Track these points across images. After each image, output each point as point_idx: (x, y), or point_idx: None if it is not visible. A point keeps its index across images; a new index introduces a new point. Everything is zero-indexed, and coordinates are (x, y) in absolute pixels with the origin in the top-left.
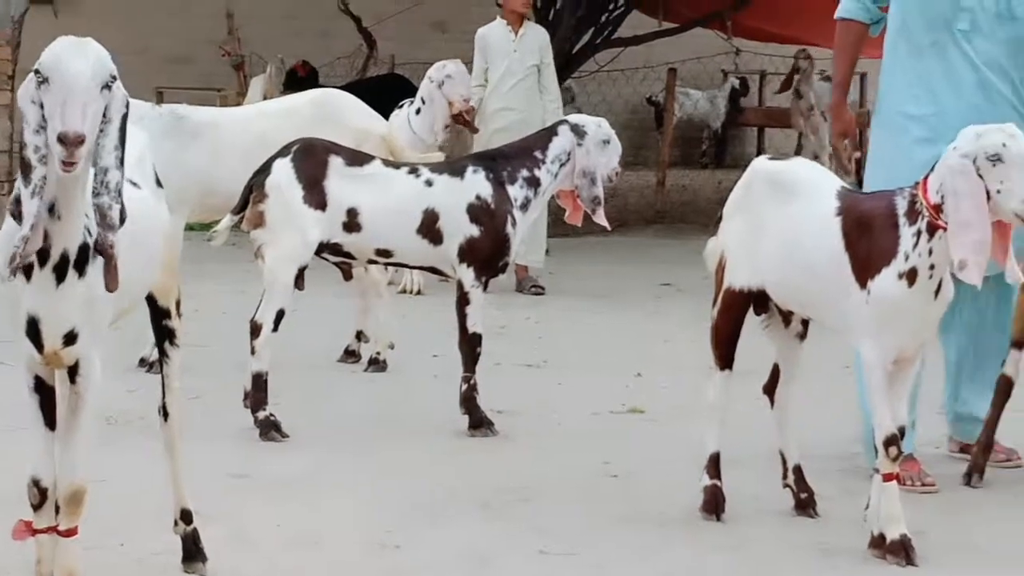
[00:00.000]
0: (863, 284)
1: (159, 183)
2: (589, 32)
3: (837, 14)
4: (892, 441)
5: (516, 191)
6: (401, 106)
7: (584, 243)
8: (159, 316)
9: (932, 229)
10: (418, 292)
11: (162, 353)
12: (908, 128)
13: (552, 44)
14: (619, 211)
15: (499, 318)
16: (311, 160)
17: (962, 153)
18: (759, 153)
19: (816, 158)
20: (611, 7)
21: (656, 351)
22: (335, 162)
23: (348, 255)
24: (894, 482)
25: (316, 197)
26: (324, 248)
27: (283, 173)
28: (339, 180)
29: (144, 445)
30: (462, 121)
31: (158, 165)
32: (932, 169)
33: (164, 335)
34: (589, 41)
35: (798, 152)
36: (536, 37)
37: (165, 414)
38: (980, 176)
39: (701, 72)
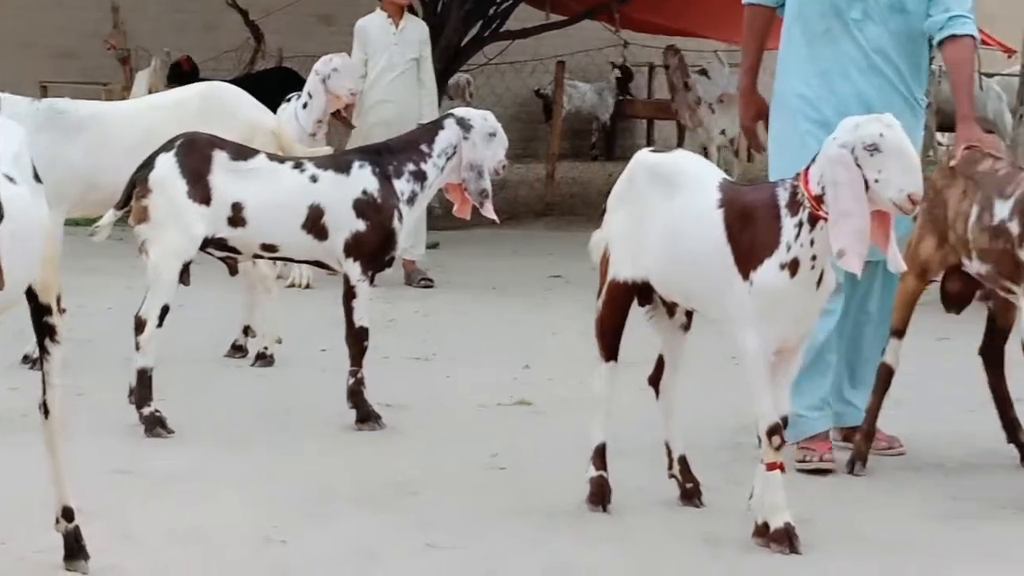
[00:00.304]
0: (745, 275)
1: (37, 178)
2: (477, 25)
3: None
4: (775, 431)
5: (402, 185)
6: (289, 99)
7: (473, 236)
8: (40, 312)
9: (813, 220)
10: (307, 286)
11: (43, 350)
12: (803, 111)
13: (441, 37)
14: (509, 204)
15: (388, 311)
16: (195, 155)
17: (841, 143)
18: (648, 145)
19: (704, 150)
20: (499, 0)
21: (545, 343)
22: (219, 156)
23: (233, 250)
24: (778, 471)
25: (200, 192)
26: (209, 243)
27: (167, 168)
28: (224, 175)
29: (27, 442)
30: (339, 117)
31: (36, 160)
32: (813, 160)
33: (45, 331)
34: (477, 34)
35: (680, 144)
36: (416, 30)
37: (46, 411)
38: (859, 166)
39: (590, 65)
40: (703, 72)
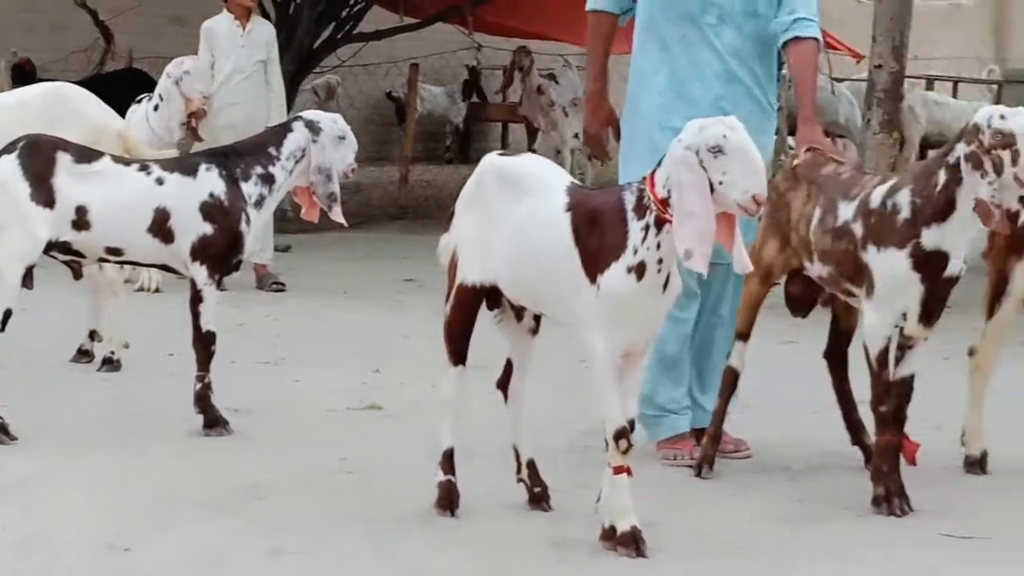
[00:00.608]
0: (593, 279)
1: None
2: (330, 27)
3: (588, 6)
4: (622, 434)
5: (250, 188)
6: (139, 101)
7: (326, 239)
8: None
9: (660, 223)
10: (156, 290)
11: None
12: (656, 117)
13: (293, 40)
14: (362, 207)
15: (238, 315)
16: (38, 157)
17: (685, 145)
18: (503, 148)
19: (558, 153)
20: (352, 2)
21: (396, 347)
22: (63, 159)
23: (78, 253)
24: (624, 475)
25: (44, 194)
26: (53, 246)
27: (9, 170)
28: (67, 177)
29: None
30: (189, 128)
31: None
32: (659, 164)
33: None
34: (330, 36)
35: (531, 148)
36: (263, 32)
37: None
38: (704, 168)
39: (444, 68)
40: (552, 76)
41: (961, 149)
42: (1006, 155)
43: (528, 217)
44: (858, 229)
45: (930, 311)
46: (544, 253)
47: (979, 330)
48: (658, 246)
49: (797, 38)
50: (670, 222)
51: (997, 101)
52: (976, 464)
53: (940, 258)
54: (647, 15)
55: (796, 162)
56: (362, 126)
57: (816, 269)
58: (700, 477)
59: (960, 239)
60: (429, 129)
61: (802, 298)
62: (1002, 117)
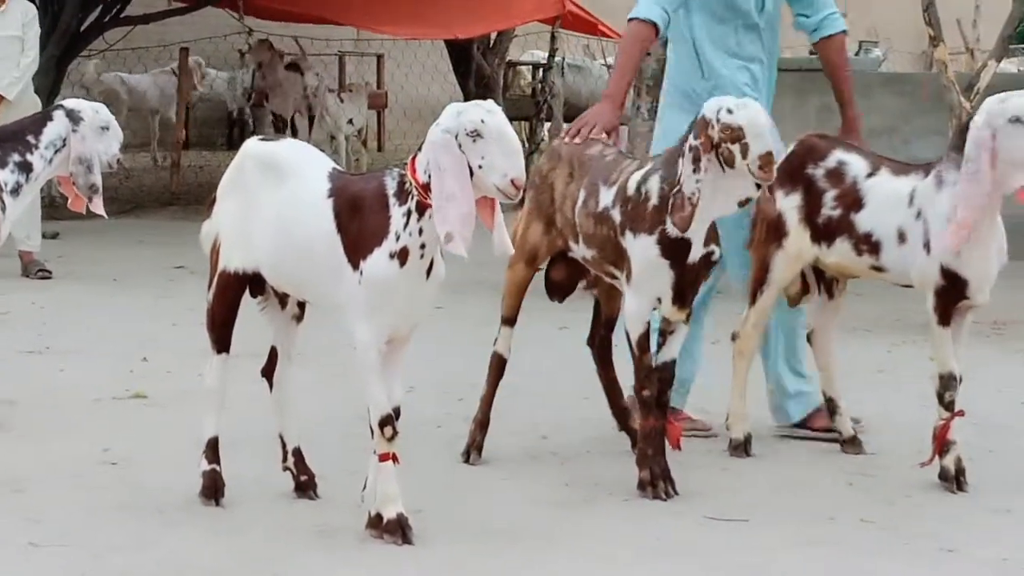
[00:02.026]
0: (355, 265)
1: None
2: (97, 10)
3: (633, 14)
4: (387, 421)
5: (7, 176)
6: None
7: (97, 226)
8: None
9: (422, 208)
10: None
11: None
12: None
13: (59, 22)
14: (134, 193)
15: (2, 304)
16: None
17: (444, 129)
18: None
19: (332, 139)
20: None
21: (164, 335)
22: None
23: None
24: (390, 462)
25: None
26: None
27: None
28: None
29: None
30: None
31: None
32: (419, 149)
33: None
34: (97, 19)
35: (310, 134)
36: (20, 11)
37: None
38: (463, 151)
39: (215, 53)
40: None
41: (691, 141)
42: (736, 148)
43: (289, 203)
44: (616, 215)
45: (682, 295)
46: (306, 240)
47: (742, 316)
48: (420, 231)
49: (830, 35)
50: (431, 207)
51: None
52: (740, 447)
53: (684, 244)
54: (702, 18)
55: (561, 141)
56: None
57: (581, 251)
58: (469, 463)
59: (700, 225)
60: (207, 115)
61: (562, 284)
62: (729, 111)
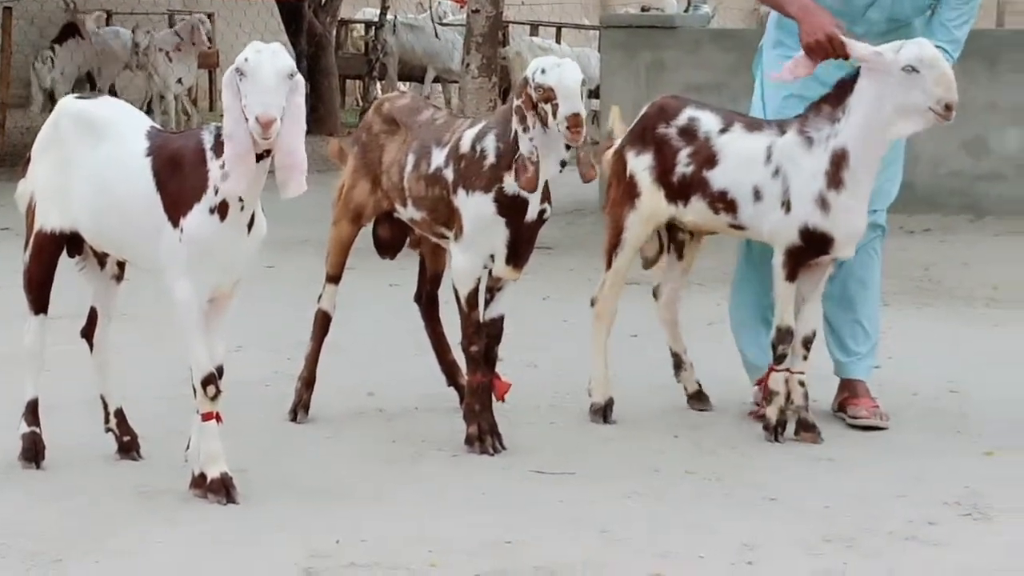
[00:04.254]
0: (175, 223)
1: None
2: None
3: None
4: (210, 380)
5: None
6: None
7: None
8: None
9: None
10: None
11: None
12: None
13: None
14: None
15: None
16: None
17: (232, 67)
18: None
19: (162, 98)
20: None
21: None
22: None
23: None
24: (213, 421)
25: None
26: None
27: None
28: None
29: None
30: None
31: None
32: None
33: None
34: None
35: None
36: None
37: None
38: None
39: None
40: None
41: (515, 101)
42: (548, 108)
43: (107, 162)
44: (450, 174)
45: (518, 253)
46: (125, 199)
47: (598, 281)
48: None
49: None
50: None
51: (599, 46)
52: (600, 412)
53: (521, 202)
54: None
55: (388, 104)
56: None
57: (409, 213)
58: (295, 422)
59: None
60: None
61: (390, 240)
62: (543, 71)
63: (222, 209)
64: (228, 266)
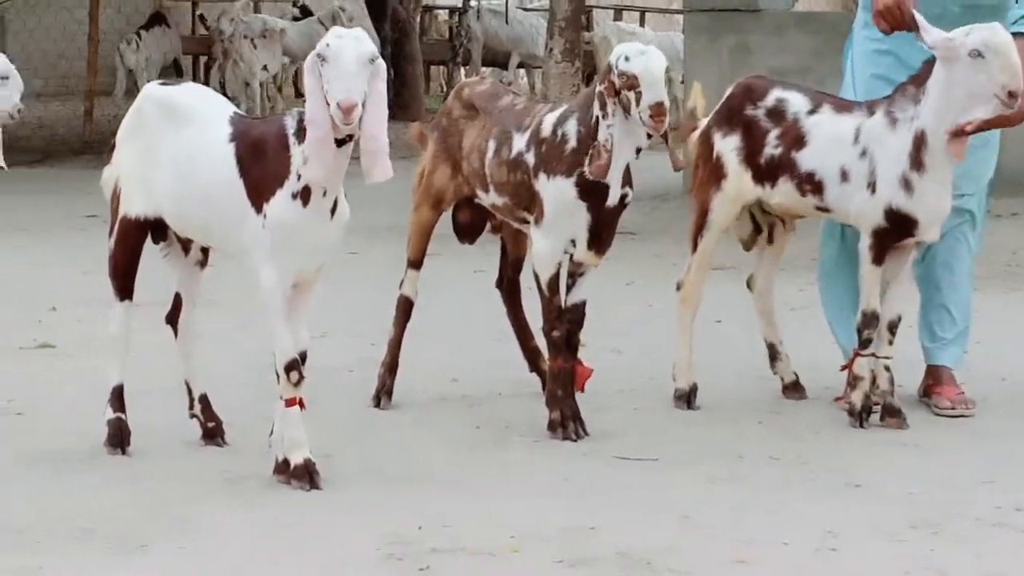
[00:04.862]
0: (259, 209)
1: None
2: None
3: None
4: (293, 366)
5: None
6: None
7: (7, 176)
8: None
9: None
10: None
11: None
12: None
13: None
14: (46, 142)
15: None
16: None
17: (313, 52)
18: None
19: (247, 85)
20: None
21: (75, 284)
22: None
23: None
24: (296, 407)
25: None
26: None
27: None
28: None
29: None
30: None
31: None
32: None
33: None
34: None
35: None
36: None
37: None
38: (321, 75)
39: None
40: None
41: (598, 87)
42: (632, 96)
43: (191, 148)
44: (531, 158)
45: (599, 239)
46: (209, 184)
47: (685, 264)
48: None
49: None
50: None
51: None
52: (684, 398)
53: (603, 187)
54: None
55: (468, 90)
56: (54, 61)
57: (491, 198)
58: (379, 408)
59: (616, 170)
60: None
61: (470, 226)
62: (627, 58)
63: (305, 195)
64: (311, 251)
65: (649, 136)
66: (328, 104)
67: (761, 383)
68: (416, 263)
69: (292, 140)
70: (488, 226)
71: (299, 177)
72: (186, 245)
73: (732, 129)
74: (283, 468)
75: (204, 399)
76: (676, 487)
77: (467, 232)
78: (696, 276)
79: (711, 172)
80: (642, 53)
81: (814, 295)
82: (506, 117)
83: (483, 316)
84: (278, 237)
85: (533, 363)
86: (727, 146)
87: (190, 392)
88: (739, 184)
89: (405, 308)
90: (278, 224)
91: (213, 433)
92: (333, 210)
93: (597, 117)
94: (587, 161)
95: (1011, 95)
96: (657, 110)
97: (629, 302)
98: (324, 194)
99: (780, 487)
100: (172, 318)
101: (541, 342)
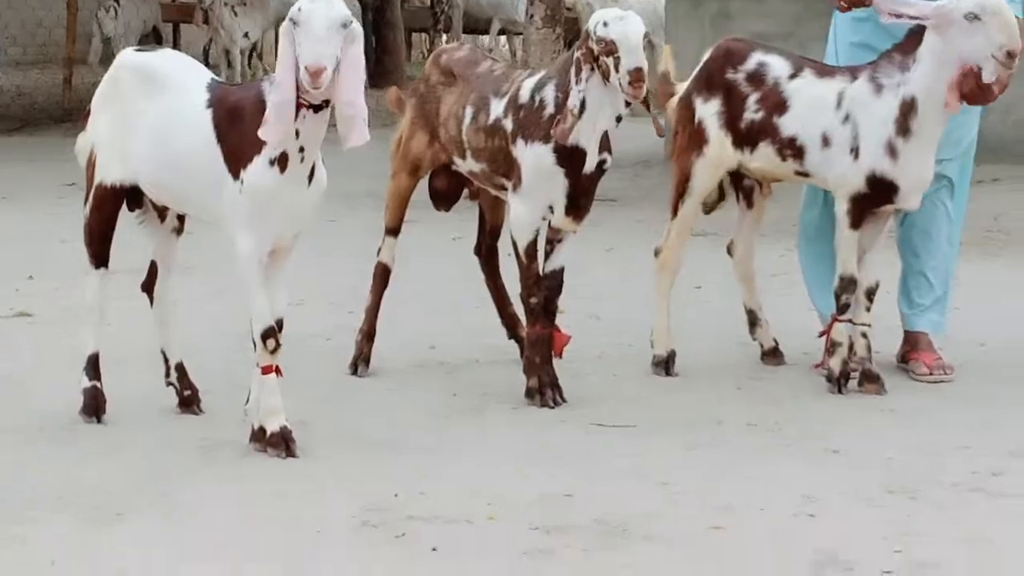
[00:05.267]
0: (236, 175)
1: None
2: None
3: None
4: (270, 333)
5: None
6: None
7: None
8: None
9: (297, 108)
10: None
11: None
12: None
13: None
14: (26, 110)
15: None
16: None
17: (288, 16)
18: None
19: (227, 52)
20: None
21: (52, 252)
22: None
23: None
24: (273, 375)
25: None
26: None
27: None
28: None
29: None
30: None
31: None
32: None
33: None
34: None
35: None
36: None
37: None
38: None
39: None
40: None
41: (576, 52)
42: (610, 61)
43: (168, 114)
44: (509, 124)
45: (577, 205)
46: (186, 152)
47: (664, 230)
48: (297, 134)
49: None
50: (307, 107)
51: None
52: (662, 364)
53: (580, 153)
54: None
55: (447, 56)
56: (33, 29)
57: (468, 165)
58: (357, 375)
59: (593, 136)
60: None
61: (446, 193)
62: (605, 24)
63: (282, 161)
64: (289, 218)
65: (628, 104)
66: (298, 68)
67: (741, 349)
68: (394, 230)
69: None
70: (466, 192)
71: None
72: (162, 212)
73: (712, 94)
74: (259, 436)
75: (180, 367)
76: (653, 454)
77: (443, 199)
78: (675, 242)
79: (692, 137)
80: (620, 19)
81: (794, 261)
82: (484, 83)
83: (461, 283)
84: (255, 204)
85: (511, 329)
86: (708, 111)
87: (166, 360)
88: (720, 149)
89: (383, 275)
90: (255, 190)
91: (189, 401)
92: (311, 177)
93: (570, 82)
94: (553, 124)
95: (1009, 55)
96: (636, 75)
97: (609, 267)
98: (302, 160)
99: (758, 453)
100: (148, 286)
101: (519, 308)
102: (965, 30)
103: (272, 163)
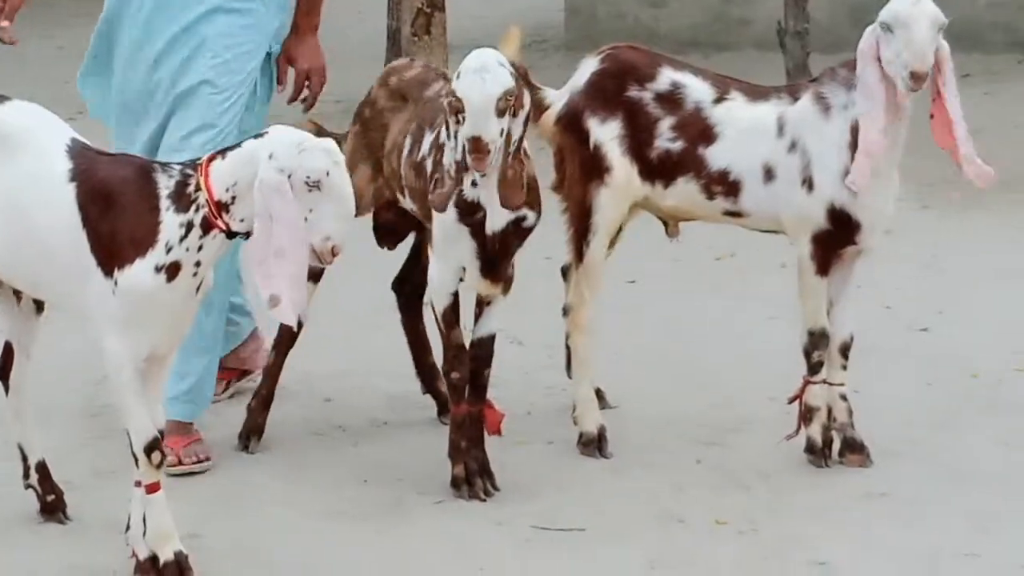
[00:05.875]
0: (108, 272)
1: None
2: None
3: None
4: (154, 446)
5: None
6: None
7: None
8: None
9: (207, 226)
10: None
11: None
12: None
13: None
14: None
15: None
16: None
17: (279, 167)
18: None
19: None
20: None
21: None
22: None
23: None
24: (160, 492)
25: None
26: None
27: None
28: None
29: None
30: None
31: None
32: (221, 153)
33: None
34: None
35: None
36: None
37: None
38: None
39: None
40: None
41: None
42: (454, 122)
43: (21, 183)
44: (429, 165)
45: (492, 266)
46: (42, 230)
47: (571, 284)
48: (200, 248)
49: None
50: (221, 230)
51: None
52: (592, 444)
53: (481, 211)
54: None
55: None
56: None
57: (408, 203)
58: (249, 452)
59: (492, 192)
60: None
61: (392, 229)
62: (458, 75)
63: (172, 270)
64: (172, 326)
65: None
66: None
67: (692, 399)
68: (314, 275)
69: (166, 203)
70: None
71: (169, 250)
72: (17, 291)
73: (611, 113)
74: (148, 567)
75: (42, 466)
76: (610, 573)
77: (388, 236)
78: (588, 296)
79: (586, 164)
80: (475, 71)
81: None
82: (427, 110)
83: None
84: (131, 310)
85: (428, 383)
86: (606, 133)
87: (25, 458)
88: (627, 177)
89: (289, 331)
90: (133, 296)
91: (53, 507)
92: (199, 286)
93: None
94: (431, 187)
95: (914, 76)
96: (473, 146)
97: (546, 279)
98: (195, 274)
99: (732, 569)
100: (2, 372)
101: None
102: (880, 40)
103: (159, 270)
